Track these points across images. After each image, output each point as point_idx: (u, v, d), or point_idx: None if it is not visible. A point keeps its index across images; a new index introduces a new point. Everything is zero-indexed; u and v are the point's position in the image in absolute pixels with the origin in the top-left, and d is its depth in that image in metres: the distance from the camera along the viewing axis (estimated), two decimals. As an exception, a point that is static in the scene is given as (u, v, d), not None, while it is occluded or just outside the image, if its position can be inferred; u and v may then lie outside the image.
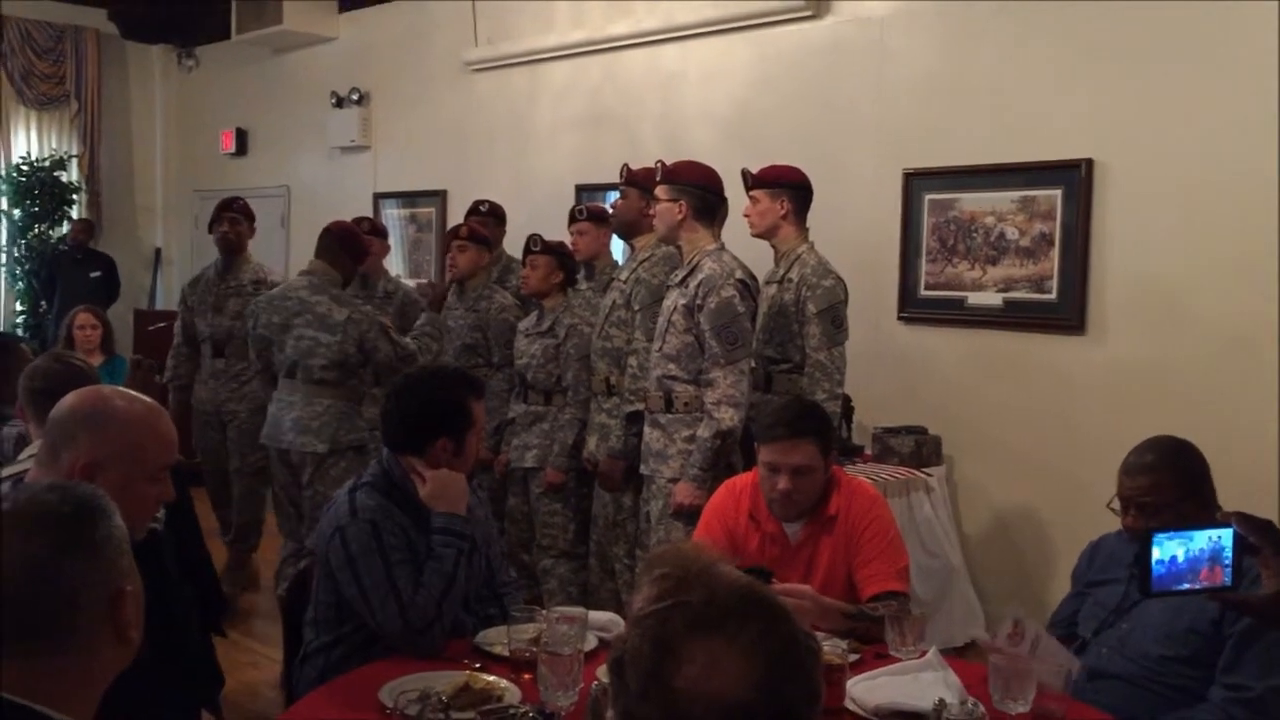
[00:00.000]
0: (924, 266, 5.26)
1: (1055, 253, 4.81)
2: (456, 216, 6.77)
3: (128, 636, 1.43)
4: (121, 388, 2.16)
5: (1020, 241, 4.93)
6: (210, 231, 5.70)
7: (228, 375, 5.61)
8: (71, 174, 9.71)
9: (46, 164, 9.46)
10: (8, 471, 2.51)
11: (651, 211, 4.13)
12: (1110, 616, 2.74)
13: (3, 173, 9.40)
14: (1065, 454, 4.78)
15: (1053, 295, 4.83)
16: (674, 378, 3.88)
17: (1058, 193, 4.80)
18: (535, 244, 4.69)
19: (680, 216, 3.92)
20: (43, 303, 9.16)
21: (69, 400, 2.09)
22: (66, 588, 1.37)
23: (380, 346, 4.66)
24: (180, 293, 5.99)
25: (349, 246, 4.81)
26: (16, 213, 9.34)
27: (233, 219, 5.62)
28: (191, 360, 5.74)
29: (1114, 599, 2.75)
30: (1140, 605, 2.67)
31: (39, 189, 9.35)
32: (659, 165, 4.07)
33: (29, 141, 9.66)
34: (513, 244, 5.56)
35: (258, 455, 5.38)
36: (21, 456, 2.73)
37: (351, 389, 4.77)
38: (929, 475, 4.86)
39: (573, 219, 4.99)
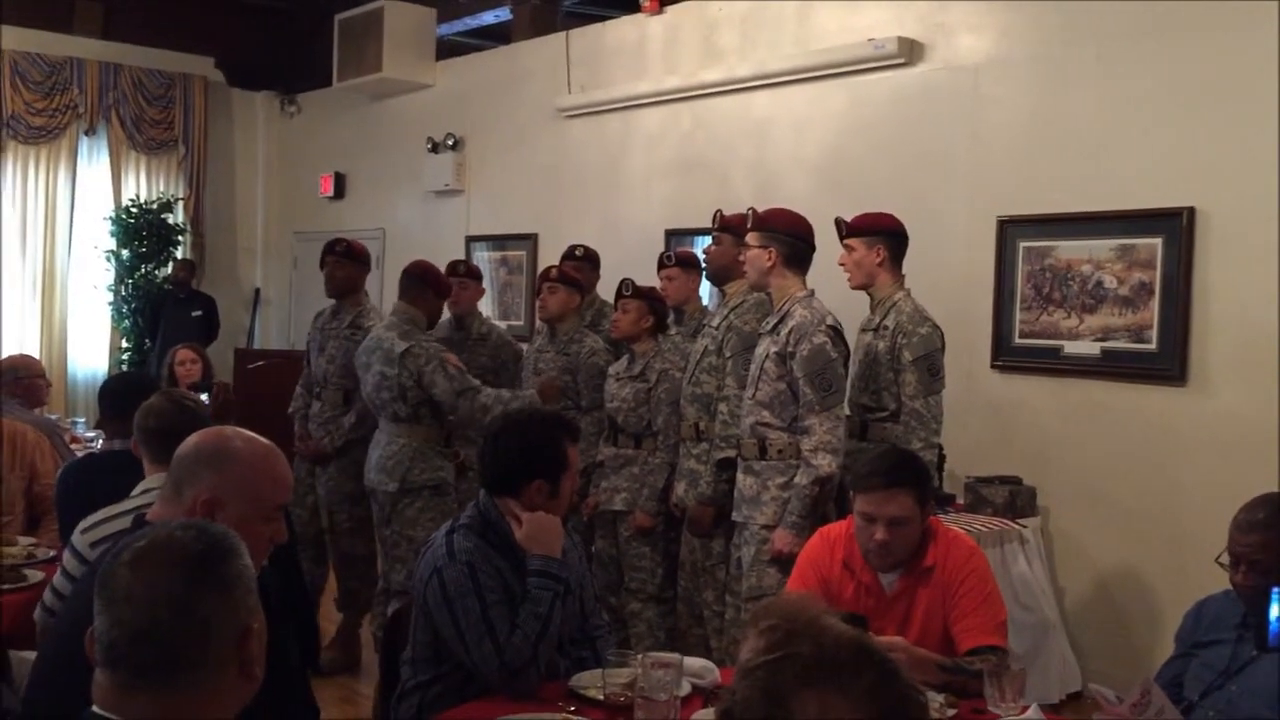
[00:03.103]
0: (1018, 314, 5.20)
1: (1155, 302, 4.72)
2: (547, 260, 6.86)
3: (252, 673, 1.48)
4: (242, 429, 2.24)
5: (1119, 290, 4.85)
6: (322, 272, 5.47)
7: (319, 420, 5.30)
8: (177, 216, 10.06)
9: (154, 206, 9.81)
10: (127, 506, 2.60)
11: (742, 258, 4.15)
12: (1218, 679, 2.67)
13: (113, 214, 9.76)
14: (1167, 508, 4.66)
15: (1153, 345, 4.73)
16: (767, 425, 3.88)
17: (1158, 241, 4.72)
18: (627, 288, 4.73)
19: (770, 264, 3.93)
20: (146, 340, 9.46)
21: (193, 439, 2.17)
22: (199, 622, 1.43)
23: (437, 381, 4.60)
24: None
25: (428, 279, 4.88)
26: (125, 253, 9.68)
27: (335, 261, 5.36)
28: (312, 393, 5.47)
29: (1222, 661, 2.68)
30: (1249, 667, 2.60)
31: (146, 230, 9.70)
32: (750, 212, 4.09)
33: (138, 185, 10.03)
34: (603, 288, 5.62)
35: (345, 515, 5.22)
36: (136, 492, 2.83)
37: (430, 428, 4.76)
38: (1023, 526, 4.77)
39: (661, 265, 5.02)
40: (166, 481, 2.17)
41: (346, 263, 5.37)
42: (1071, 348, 5.00)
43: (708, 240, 4.93)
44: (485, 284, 7.18)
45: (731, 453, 4.14)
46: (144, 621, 1.41)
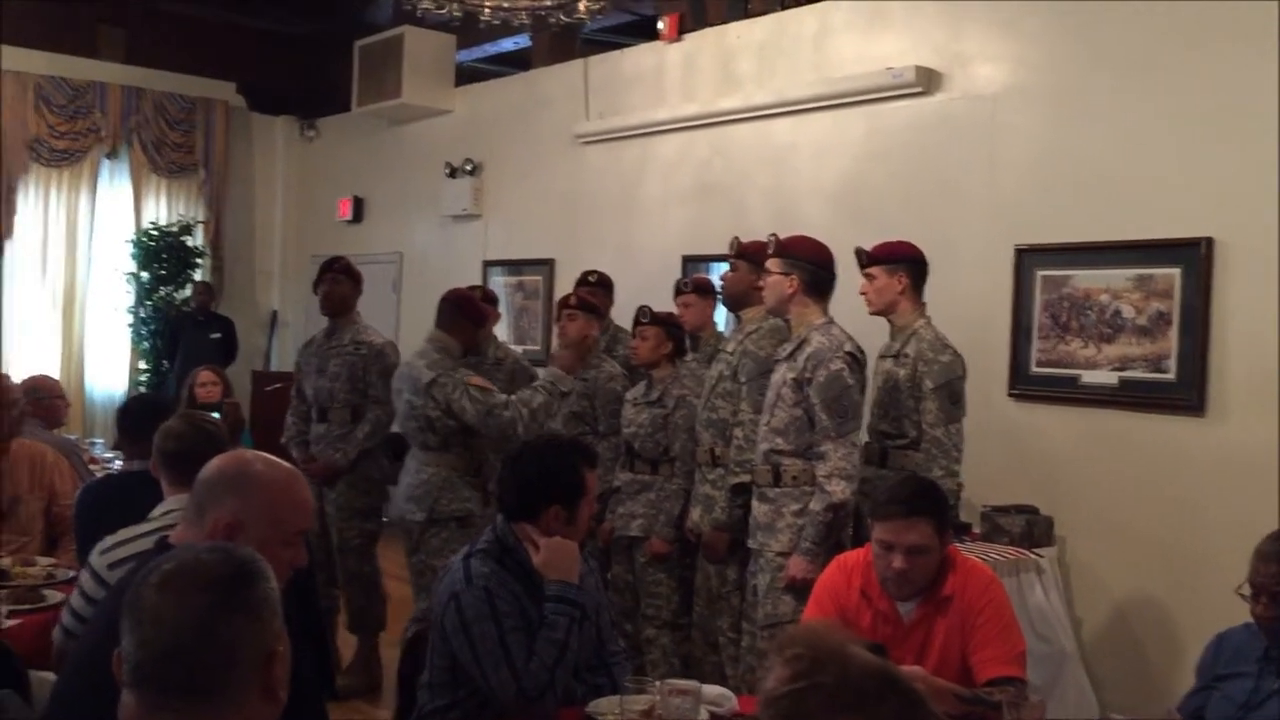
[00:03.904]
0: (1036, 343, 5.19)
1: (1174, 332, 4.71)
2: (564, 285, 6.89)
3: (276, 696, 1.49)
4: (263, 453, 2.25)
5: (1137, 320, 4.84)
6: (315, 292, 5.57)
7: (327, 440, 5.32)
8: (197, 239, 10.12)
9: (174, 229, 9.88)
10: (146, 527, 2.62)
11: (761, 283, 4.16)
12: (1239, 712, 2.65)
13: (133, 237, 9.82)
14: (1186, 539, 4.63)
15: (1171, 375, 4.72)
16: (781, 451, 3.88)
17: (1176, 271, 4.71)
18: (645, 315, 4.75)
19: (791, 291, 3.94)
20: (164, 362, 9.50)
21: (216, 463, 2.19)
22: (225, 644, 1.44)
23: (465, 406, 4.56)
24: (296, 354, 5.92)
25: (466, 312, 4.88)
26: (144, 275, 9.74)
27: (333, 279, 5.41)
28: (308, 419, 5.53)
29: (1243, 694, 2.67)
30: (1270, 701, 2.59)
31: (166, 253, 9.76)
32: (772, 238, 4.10)
33: (158, 207, 10.10)
34: (620, 314, 5.63)
35: (355, 531, 5.24)
36: (155, 514, 2.84)
37: (459, 457, 4.73)
38: (1040, 556, 4.74)
39: (678, 291, 5.04)
40: (189, 504, 2.18)
41: (345, 280, 5.44)
42: (1089, 377, 4.99)
43: (725, 267, 4.95)
44: (502, 309, 7.23)
45: (746, 478, 4.14)
46: (170, 643, 1.42)
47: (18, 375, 7.08)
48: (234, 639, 1.45)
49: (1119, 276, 4.90)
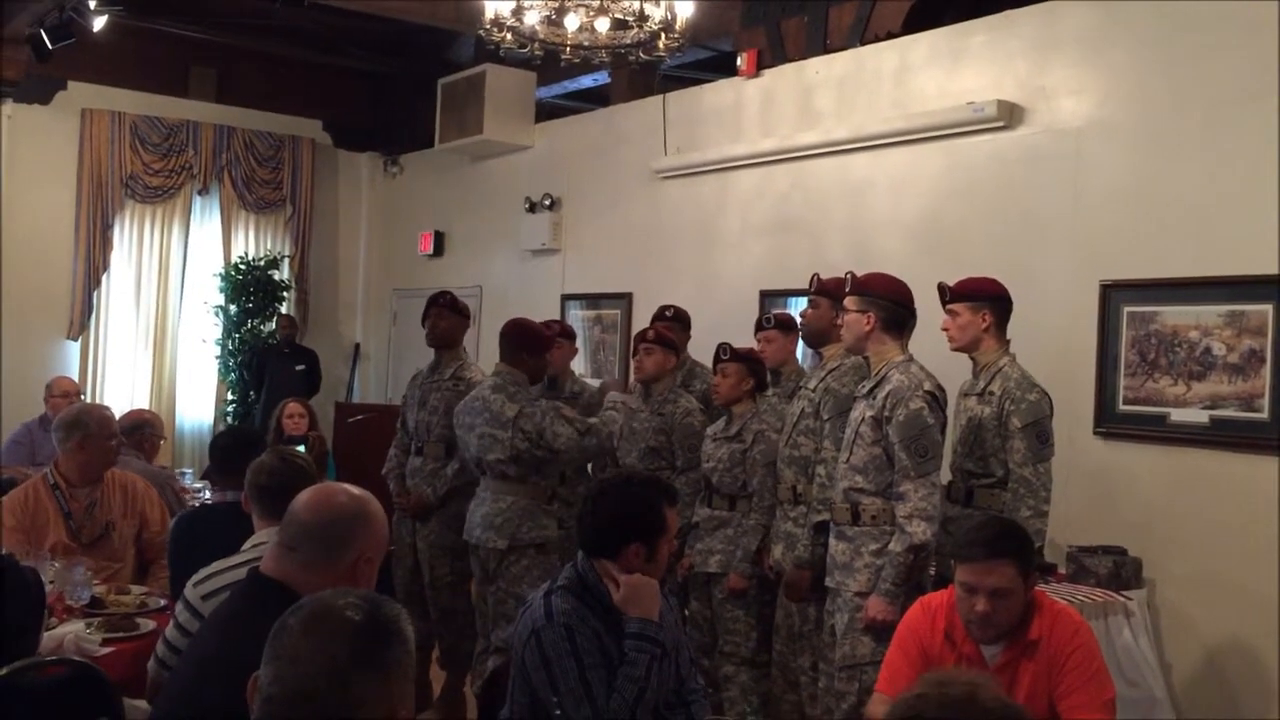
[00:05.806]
0: (1122, 380, 5.09)
1: (1267, 370, 4.59)
2: (641, 319, 6.91)
3: None
4: (348, 485, 2.35)
5: (1228, 357, 4.72)
6: (423, 325, 5.55)
7: (422, 474, 5.34)
8: (283, 273, 10.36)
9: (261, 263, 10.13)
10: (238, 559, 2.68)
11: (840, 321, 4.14)
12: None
13: (222, 271, 10.10)
14: (1280, 583, 4.50)
15: (1264, 414, 4.59)
16: (861, 490, 3.85)
17: (1269, 308, 4.60)
18: (725, 352, 4.75)
19: (868, 328, 3.92)
20: (251, 393, 9.71)
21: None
22: (353, 699, 1.46)
23: (560, 432, 4.65)
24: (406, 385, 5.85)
25: (524, 342, 4.92)
26: (232, 308, 10.00)
27: (438, 313, 5.43)
28: (409, 451, 5.53)
29: (1345, 747, 2.58)
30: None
31: (253, 286, 10.01)
32: (848, 276, 4.09)
33: (247, 242, 10.36)
34: (696, 348, 5.64)
35: (446, 569, 5.25)
36: (246, 546, 2.91)
37: (536, 486, 4.79)
38: (1129, 599, 4.63)
39: (760, 327, 5.03)
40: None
41: (450, 315, 5.47)
42: (1178, 415, 4.88)
43: (802, 301, 4.93)
44: (579, 343, 7.27)
45: (827, 516, 4.11)
46: (301, 686, 1.46)
47: (112, 403, 7.36)
48: (361, 696, 1.47)
49: (1209, 313, 4.79)
